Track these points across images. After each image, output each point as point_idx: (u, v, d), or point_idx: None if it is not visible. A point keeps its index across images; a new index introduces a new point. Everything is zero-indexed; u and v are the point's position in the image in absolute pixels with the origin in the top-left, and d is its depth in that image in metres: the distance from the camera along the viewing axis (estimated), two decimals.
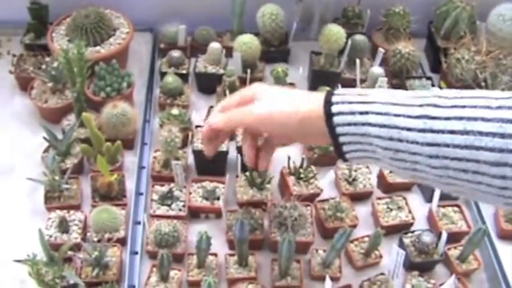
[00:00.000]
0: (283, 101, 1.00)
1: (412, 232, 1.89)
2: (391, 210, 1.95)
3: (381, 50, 2.32)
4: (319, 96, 0.94)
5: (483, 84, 2.19)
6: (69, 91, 2.15)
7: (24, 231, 1.84)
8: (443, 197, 1.93)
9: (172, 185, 1.95)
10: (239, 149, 2.00)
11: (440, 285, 1.76)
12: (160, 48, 2.47)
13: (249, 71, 2.24)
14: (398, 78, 2.34)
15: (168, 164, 1.98)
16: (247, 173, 1.95)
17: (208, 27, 2.47)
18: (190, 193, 1.95)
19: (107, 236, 1.79)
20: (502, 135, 0.74)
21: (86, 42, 2.17)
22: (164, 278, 1.74)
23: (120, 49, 2.27)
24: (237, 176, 1.99)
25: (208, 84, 2.31)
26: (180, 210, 1.91)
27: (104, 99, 2.11)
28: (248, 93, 1.11)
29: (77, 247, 1.76)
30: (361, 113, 0.87)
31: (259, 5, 2.38)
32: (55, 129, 2.04)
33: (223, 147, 1.99)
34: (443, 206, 1.97)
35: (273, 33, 2.39)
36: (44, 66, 2.17)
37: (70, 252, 1.73)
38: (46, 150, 2.02)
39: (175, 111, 2.09)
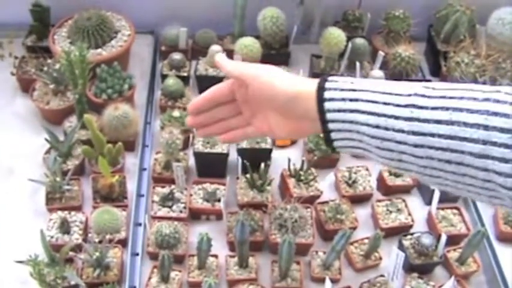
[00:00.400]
0: (283, 73, 1.00)
1: (412, 234, 1.90)
2: (391, 212, 1.96)
3: (381, 53, 2.33)
4: (313, 80, 0.95)
5: None
6: (70, 93, 2.17)
7: (25, 232, 1.85)
8: (443, 199, 1.94)
9: (173, 186, 1.96)
10: (239, 151, 2.01)
11: (440, 287, 1.76)
12: (161, 50, 2.49)
13: None
14: (398, 81, 2.34)
15: (169, 166, 1.99)
16: (248, 175, 1.96)
17: (209, 30, 2.48)
18: (191, 195, 1.96)
19: (108, 237, 1.80)
20: (486, 127, 0.74)
21: (88, 44, 2.18)
22: (165, 279, 1.74)
23: (121, 51, 2.28)
24: (237, 178, 2.00)
25: (209, 87, 2.28)
26: (181, 211, 1.92)
27: (105, 101, 2.12)
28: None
29: (78, 248, 1.77)
30: (351, 100, 0.88)
31: (260, 8, 2.39)
32: (57, 131, 2.05)
33: (224, 150, 2.00)
34: (443, 209, 1.98)
35: (274, 36, 2.40)
36: (45, 68, 2.18)
37: (71, 253, 1.74)
38: (48, 152, 2.03)
39: (176, 113, 2.10)
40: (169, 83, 2.23)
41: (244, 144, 2.03)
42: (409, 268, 1.83)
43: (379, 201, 1.99)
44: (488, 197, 0.79)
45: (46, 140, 2.00)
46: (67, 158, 2.02)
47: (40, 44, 2.39)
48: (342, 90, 0.89)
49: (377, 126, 0.84)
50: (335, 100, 0.89)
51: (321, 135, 0.93)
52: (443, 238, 1.83)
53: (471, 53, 2.29)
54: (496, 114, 0.74)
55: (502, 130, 0.73)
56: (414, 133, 0.81)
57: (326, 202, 1.95)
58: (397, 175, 2.05)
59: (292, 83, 0.96)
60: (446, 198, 1.97)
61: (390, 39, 2.48)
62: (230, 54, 2.33)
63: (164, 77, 2.30)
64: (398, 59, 2.32)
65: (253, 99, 1.02)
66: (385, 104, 0.84)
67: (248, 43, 2.31)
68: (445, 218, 1.96)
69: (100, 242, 1.76)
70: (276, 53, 2.46)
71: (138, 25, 2.41)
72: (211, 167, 2.02)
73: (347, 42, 2.31)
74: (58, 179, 1.90)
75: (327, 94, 0.90)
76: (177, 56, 2.36)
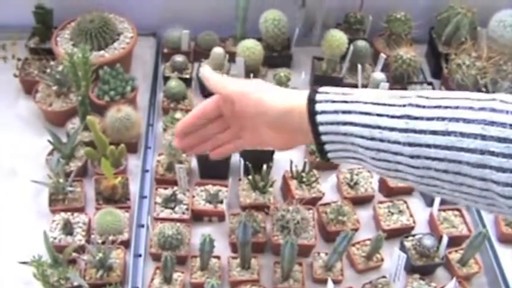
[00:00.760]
0: (270, 88, 0.99)
1: (413, 236, 1.91)
2: (393, 214, 1.96)
3: (383, 56, 2.33)
4: (304, 93, 0.93)
5: (484, 89, 2.21)
6: (73, 95, 2.17)
7: (28, 233, 1.85)
8: (444, 201, 1.94)
9: (175, 188, 1.97)
10: (241, 153, 2.02)
11: None
12: (163, 52, 2.50)
13: (252, 75, 2.26)
14: (400, 83, 2.35)
15: (171, 168, 2.00)
16: (250, 177, 1.96)
17: (212, 32, 2.49)
18: (193, 196, 1.96)
19: (110, 238, 1.81)
20: (484, 137, 0.74)
21: (90, 46, 2.18)
22: (167, 280, 1.75)
23: (124, 53, 2.29)
24: (239, 180, 2.01)
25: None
26: (183, 213, 1.92)
27: (108, 103, 2.13)
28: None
29: (81, 249, 1.78)
30: (344, 112, 0.86)
31: (262, 10, 2.40)
32: (59, 133, 2.06)
33: None
34: (444, 210, 1.99)
35: (276, 39, 2.41)
36: (48, 70, 2.19)
37: (74, 254, 1.74)
38: (50, 153, 2.04)
39: (178, 115, 2.11)
40: (172, 85, 2.23)
41: None
42: (410, 269, 1.84)
43: (381, 202, 2.00)
44: (486, 205, 0.79)
45: (49, 141, 2.01)
46: (70, 159, 2.03)
47: (43, 46, 2.40)
48: (334, 102, 0.88)
49: (372, 138, 0.84)
50: (327, 113, 0.88)
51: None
52: (445, 239, 1.84)
53: (472, 55, 2.30)
54: (493, 123, 0.74)
55: (500, 140, 0.73)
56: (410, 144, 0.80)
57: (328, 204, 1.96)
58: None
59: (282, 97, 0.95)
60: (448, 200, 1.98)
61: (392, 42, 2.49)
62: (232, 56, 2.34)
63: (166, 79, 2.31)
64: (399, 61, 2.33)
65: (241, 115, 1.00)
66: (379, 115, 0.83)
67: (250, 45, 2.31)
68: (446, 219, 1.96)
69: (103, 243, 1.77)
70: (277, 55, 2.47)
71: (140, 27, 2.42)
72: (213, 168, 2.02)
73: (349, 45, 2.32)
74: (61, 180, 1.90)
75: (318, 107, 0.88)
76: (179, 58, 2.36)
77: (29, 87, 2.26)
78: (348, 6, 2.59)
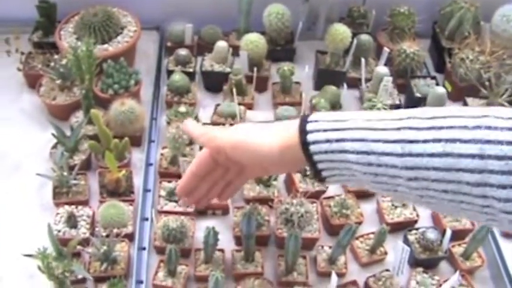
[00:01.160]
0: (256, 131, 0.99)
1: (417, 229, 1.91)
2: (396, 207, 1.96)
3: (386, 50, 2.34)
4: (293, 124, 0.92)
5: (487, 84, 2.21)
6: (77, 88, 2.18)
7: (32, 227, 1.86)
8: None
9: (179, 181, 1.96)
10: None
11: (445, 281, 1.77)
12: (167, 46, 2.50)
13: (255, 69, 2.27)
14: (403, 77, 2.35)
15: (175, 161, 2.00)
16: None
17: (215, 26, 2.49)
18: None
19: (115, 231, 1.81)
20: (481, 157, 0.73)
21: (94, 40, 2.19)
22: (172, 273, 1.75)
23: (127, 47, 2.29)
24: None
25: (215, 83, 2.33)
26: (187, 206, 1.92)
27: (111, 97, 2.13)
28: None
29: (85, 242, 1.78)
30: (337, 141, 0.86)
31: (265, 4, 2.40)
32: (63, 126, 2.07)
33: None
34: None
35: (279, 33, 2.41)
36: (52, 64, 2.19)
37: (79, 247, 1.74)
38: (54, 147, 2.04)
39: (182, 108, 2.11)
40: (175, 78, 2.24)
41: None
42: (414, 263, 1.84)
43: (385, 196, 2.00)
44: (486, 220, 0.78)
45: (53, 135, 2.01)
46: (74, 153, 2.03)
47: (46, 39, 2.40)
48: (325, 131, 0.87)
49: (369, 164, 0.83)
50: (319, 142, 0.88)
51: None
52: (448, 233, 1.84)
53: (476, 49, 2.30)
54: (489, 142, 0.73)
55: (498, 158, 0.72)
56: (407, 168, 0.79)
57: (332, 197, 1.96)
58: None
59: (273, 136, 0.95)
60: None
61: (395, 36, 2.48)
62: (236, 50, 2.34)
63: (170, 72, 2.31)
64: (403, 56, 2.33)
65: (237, 162, 1.01)
66: (373, 141, 0.83)
67: (253, 39, 2.31)
68: None
69: (107, 236, 1.77)
70: (281, 49, 2.47)
71: (144, 21, 2.41)
72: None
73: (352, 39, 2.32)
74: (65, 173, 1.91)
75: (310, 137, 0.88)
76: (182, 52, 2.37)
77: (33, 81, 2.26)
78: (351, 1, 2.59)
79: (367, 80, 2.32)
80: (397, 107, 2.23)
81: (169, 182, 1.98)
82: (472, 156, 0.74)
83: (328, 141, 0.87)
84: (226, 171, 1.07)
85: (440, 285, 1.78)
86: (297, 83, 2.32)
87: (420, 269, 1.83)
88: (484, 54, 2.27)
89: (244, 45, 2.31)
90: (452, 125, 0.77)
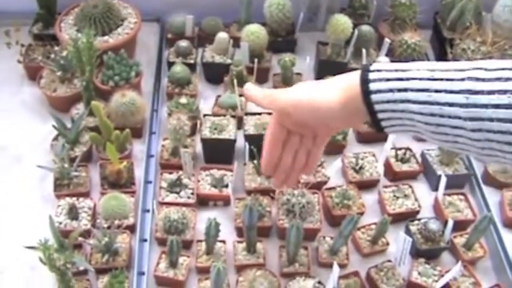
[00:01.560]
0: (317, 87, 0.96)
1: (419, 220, 1.91)
2: (398, 198, 1.96)
3: (387, 41, 2.33)
4: (354, 75, 0.91)
5: None
6: (77, 80, 2.18)
7: (34, 219, 1.86)
8: (449, 185, 1.95)
9: (180, 172, 1.97)
10: (247, 137, 2.02)
11: (447, 272, 1.77)
12: (167, 38, 2.49)
13: (256, 60, 2.26)
14: None
15: (176, 152, 2.00)
16: (255, 161, 1.96)
17: (216, 18, 2.48)
18: (198, 181, 1.96)
19: (116, 222, 1.81)
20: None
21: (95, 32, 2.18)
22: (173, 264, 1.75)
23: (128, 39, 2.29)
24: (244, 164, 2.01)
25: (216, 74, 2.33)
26: (188, 197, 1.92)
27: (112, 88, 2.13)
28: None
29: (86, 234, 1.78)
30: (399, 90, 0.85)
31: None
32: (64, 118, 2.06)
33: (231, 136, 2.01)
34: (449, 195, 1.98)
35: (280, 24, 2.41)
36: (52, 56, 2.19)
37: (80, 239, 1.74)
38: (55, 139, 2.04)
39: (183, 100, 2.11)
40: (176, 70, 2.23)
41: (251, 130, 2.04)
42: (416, 253, 1.84)
43: (386, 187, 2.00)
44: None
45: (54, 126, 2.01)
46: (75, 144, 2.03)
47: (46, 31, 2.40)
48: (388, 80, 0.86)
49: (431, 114, 0.83)
50: (382, 92, 0.87)
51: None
52: (450, 224, 1.84)
53: (477, 40, 2.29)
54: None
55: None
56: (471, 119, 0.78)
57: (333, 188, 1.96)
58: (403, 161, 2.06)
59: (333, 92, 0.92)
60: (453, 185, 1.98)
61: (396, 27, 2.48)
62: (237, 41, 2.33)
63: (171, 64, 2.31)
64: (404, 46, 2.32)
65: (303, 123, 0.98)
66: (437, 91, 0.82)
67: (254, 30, 2.31)
68: (451, 203, 1.96)
69: (108, 227, 1.77)
70: (282, 40, 2.47)
71: (144, 13, 2.41)
72: (218, 153, 2.03)
73: (353, 30, 2.31)
74: (66, 165, 1.90)
75: (372, 86, 0.87)
76: (183, 44, 2.36)
77: (33, 73, 2.26)
78: None
79: None
80: None
81: (171, 173, 1.98)
82: None
83: (390, 90, 0.86)
84: (301, 139, 1.04)
85: (442, 275, 1.78)
86: (298, 74, 2.31)
87: (422, 260, 1.83)
88: (485, 45, 2.27)
89: (245, 37, 2.31)
90: None
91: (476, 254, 1.87)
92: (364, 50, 2.29)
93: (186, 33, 2.46)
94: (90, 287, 1.71)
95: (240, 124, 2.09)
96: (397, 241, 1.75)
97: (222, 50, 2.33)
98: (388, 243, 1.88)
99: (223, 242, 1.84)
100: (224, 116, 2.10)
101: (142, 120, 2.13)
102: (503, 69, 0.79)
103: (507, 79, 0.77)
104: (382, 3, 2.49)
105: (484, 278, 1.84)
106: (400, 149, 2.08)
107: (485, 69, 0.80)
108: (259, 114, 2.10)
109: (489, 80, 0.78)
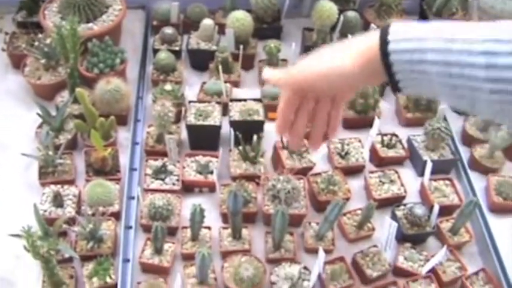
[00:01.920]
0: (336, 54, 0.95)
1: (405, 205, 1.91)
2: (384, 183, 1.96)
3: (373, 27, 2.33)
4: (371, 36, 0.90)
5: None
6: (62, 68, 2.16)
7: (19, 207, 1.85)
8: (435, 171, 1.95)
9: (165, 159, 1.96)
10: (232, 124, 2.01)
11: (432, 256, 1.77)
12: (153, 25, 2.48)
13: (241, 47, 2.25)
14: None
15: (161, 139, 1.99)
16: (241, 147, 1.96)
17: (201, 4, 2.47)
18: (183, 167, 1.96)
19: (101, 209, 1.80)
20: None
21: (79, 19, 2.16)
22: (158, 251, 1.75)
23: (113, 26, 2.27)
24: (230, 150, 2.00)
25: (201, 61, 2.32)
26: (173, 184, 1.92)
27: (97, 76, 2.11)
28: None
29: (71, 221, 1.77)
30: (419, 51, 0.85)
31: None
32: (49, 106, 2.05)
33: (216, 122, 2.00)
34: (435, 180, 1.99)
35: (266, 10, 2.40)
36: (36, 43, 2.17)
37: (65, 226, 1.74)
38: (40, 126, 2.03)
39: (168, 86, 2.10)
40: (161, 56, 2.22)
41: (237, 117, 2.04)
42: (401, 238, 1.84)
43: (372, 172, 2.00)
44: None
45: (38, 114, 2.00)
46: (59, 132, 2.02)
47: (30, 19, 2.38)
48: (407, 40, 0.86)
49: (450, 76, 0.82)
50: (401, 52, 0.86)
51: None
52: (436, 208, 1.84)
53: None
54: None
55: None
56: (491, 80, 0.78)
57: (319, 173, 1.96)
58: (389, 147, 2.06)
59: (351, 57, 0.92)
60: (439, 170, 1.98)
61: (382, 12, 2.48)
62: (222, 28, 2.32)
63: (156, 51, 2.30)
64: None
65: (325, 93, 0.98)
66: (456, 52, 0.81)
67: (240, 17, 2.30)
68: (437, 188, 1.97)
69: (93, 215, 1.76)
70: (267, 26, 2.46)
71: (129, 0, 2.39)
72: (203, 139, 2.02)
73: (339, 16, 2.31)
74: (50, 153, 1.89)
75: (391, 47, 0.87)
76: (168, 31, 2.35)
77: (17, 61, 2.25)
78: None
79: None
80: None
81: (156, 160, 1.97)
82: None
83: (409, 51, 0.85)
84: (317, 102, 1.03)
85: (428, 260, 1.78)
86: (284, 60, 2.30)
87: (408, 245, 1.83)
88: None
89: (231, 23, 2.30)
90: None
91: (462, 239, 1.87)
92: (350, 36, 2.28)
93: (171, 20, 2.45)
94: (75, 275, 1.70)
95: (225, 110, 2.09)
96: (383, 226, 1.76)
97: (207, 36, 2.33)
98: (374, 229, 1.88)
99: (209, 228, 1.83)
100: (209, 102, 2.09)
101: (127, 108, 2.12)
102: None
103: None
104: None
105: (469, 263, 1.85)
106: (386, 134, 2.08)
107: (506, 31, 0.79)
108: (245, 100, 2.09)
109: (509, 41, 0.77)
